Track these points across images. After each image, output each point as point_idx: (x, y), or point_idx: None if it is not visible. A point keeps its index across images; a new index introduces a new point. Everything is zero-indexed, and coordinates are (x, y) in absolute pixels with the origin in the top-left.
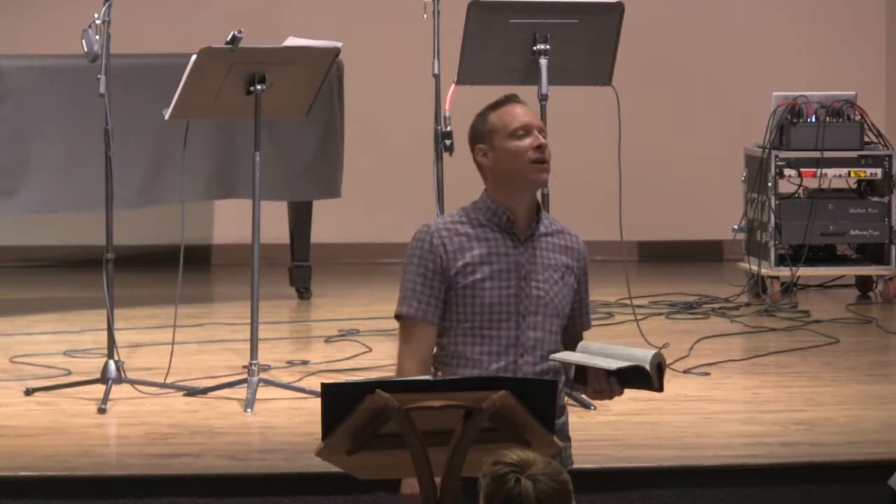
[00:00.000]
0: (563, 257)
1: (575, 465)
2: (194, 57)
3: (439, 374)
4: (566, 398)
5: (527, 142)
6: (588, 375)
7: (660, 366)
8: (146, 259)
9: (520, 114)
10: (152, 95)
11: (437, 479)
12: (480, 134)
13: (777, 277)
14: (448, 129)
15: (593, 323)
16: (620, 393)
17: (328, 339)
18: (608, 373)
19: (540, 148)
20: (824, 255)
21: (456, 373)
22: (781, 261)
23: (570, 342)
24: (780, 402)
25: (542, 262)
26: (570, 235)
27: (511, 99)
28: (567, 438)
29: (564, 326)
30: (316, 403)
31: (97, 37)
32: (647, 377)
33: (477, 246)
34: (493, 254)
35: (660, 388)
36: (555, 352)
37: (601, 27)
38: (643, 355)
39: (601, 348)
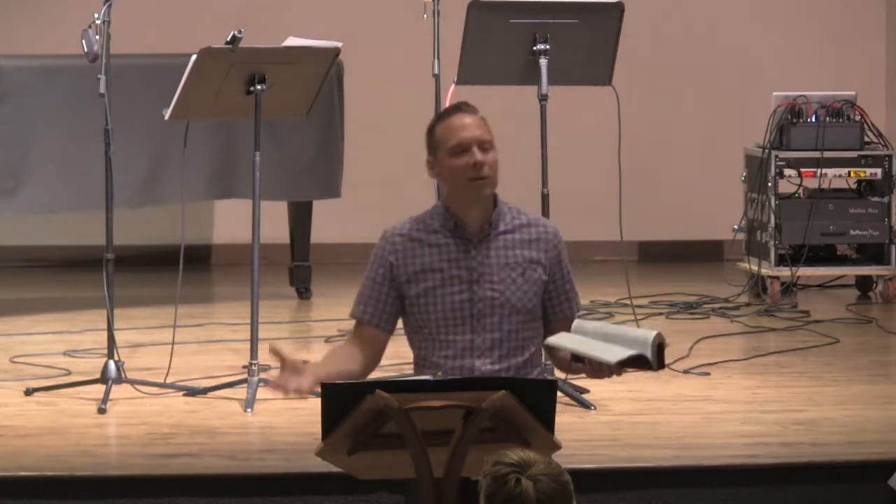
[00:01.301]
0: (527, 252)
1: (575, 465)
2: (194, 57)
3: (439, 373)
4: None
5: (463, 160)
6: (585, 357)
7: (660, 346)
8: (146, 259)
9: (458, 128)
10: (152, 95)
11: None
12: (429, 145)
13: (777, 277)
14: None
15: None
16: (620, 374)
17: (328, 339)
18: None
19: (476, 166)
20: (824, 255)
21: (421, 374)
22: (781, 261)
23: (557, 329)
24: (780, 402)
25: (497, 263)
26: (537, 227)
27: (457, 109)
28: None
29: (546, 317)
30: (316, 403)
31: (97, 37)
32: (647, 360)
33: (428, 253)
34: (444, 260)
35: (660, 368)
36: (518, 349)
37: (601, 27)
38: (643, 338)
39: (597, 328)
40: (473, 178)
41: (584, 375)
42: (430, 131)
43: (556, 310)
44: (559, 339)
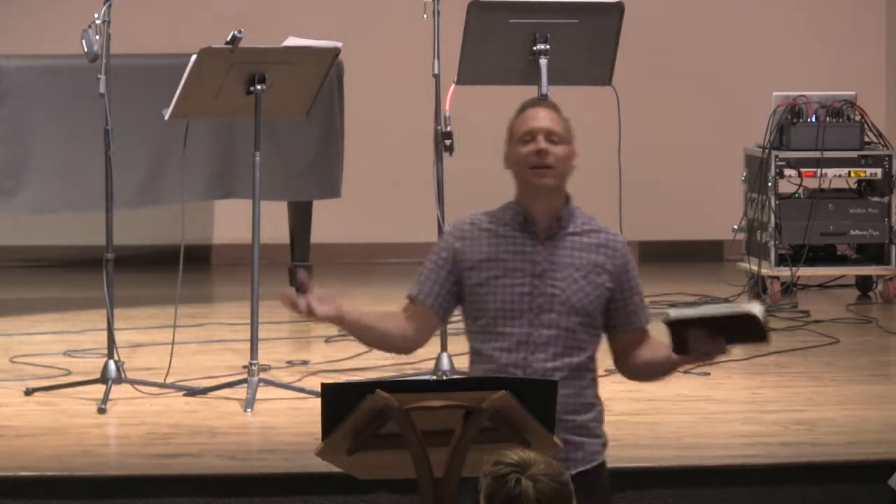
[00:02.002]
0: (592, 255)
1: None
2: (194, 57)
3: (441, 374)
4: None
5: (529, 147)
6: (689, 340)
7: (764, 315)
8: (146, 259)
9: (529, 118)
10: (152, 95)
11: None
12: (507, 139)
13: (777, 277)
14: (448, 129)
15: None
16: (724, 351)
17: (328, 339)
18: (719, 318)
19: (539, 153)
20: (824, 255)
21: (475, 370)
22: (781, 261)
23: (629, 342)
24: (780, 402)
25: (562, 261)
26: (606, 234)
27: (531, 103)
28: (595, 436)
29: (614, 328)
30: (316, 403)
31: (97, 37)
32: (752, 328)
33: (494, 243)
34: (510, 252)
35: (766, 339)
36: (574, 349)
37: (601, 27)
38: (748, 307)
39: (697, 310)
40: (535, 165)
41: (680, 370)
42: (509, 126)
43: (623, 320)
44: (677, 312)
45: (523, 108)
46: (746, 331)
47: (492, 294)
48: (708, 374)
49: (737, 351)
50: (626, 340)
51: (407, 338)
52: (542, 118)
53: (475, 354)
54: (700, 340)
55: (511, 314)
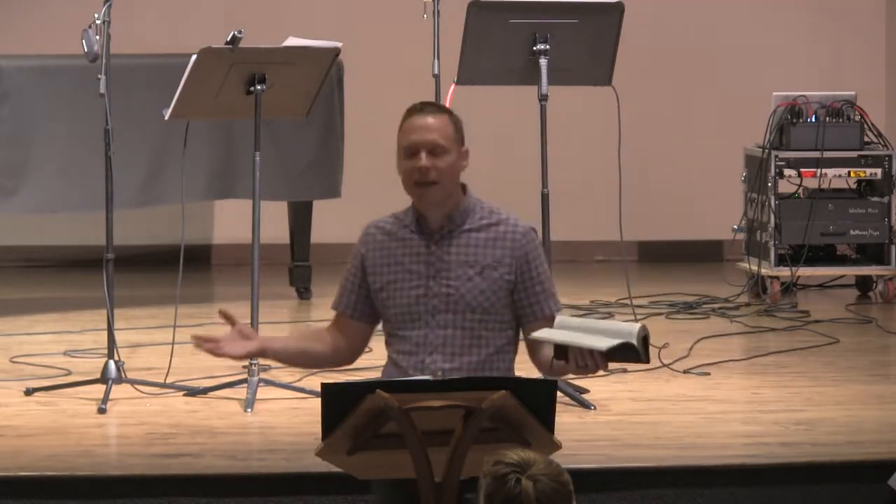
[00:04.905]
0: (490, 251)
1: (575, 465)
2: (194, 57)
3: (440, 374)
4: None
5: (411, 163)
6: (569, 352)
7: (645, 338)
8: (146, 259)
9: (412, 129)
10: (152, 95)
11: None
12: (397, 146)
13: (777, 277)
14: None
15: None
16: (605, 367)
17: None
18: (600, 352)
19: (420, 171)
20: (824, 255)
21: (385, 374)
22: (781, 261)
23: (536, 330)
24: (780, 402)
25: (455, 260)
26: (506, 226)
27: (414, 110)
28: None
29: (521, 318)
30: (316, 403)
31: (97, 37)
32: (634, 351)
33: (395, 247)
34: (406, 255)
35: (647, 360)
36: (471, 347)
37: (601, 27)
38: (628, 330)
39: (581, 323)
40: (418, 181)
41: (569, 375)
42: (398, 131)
43: (527, 310)
44: (545, 333)
45: (408, 115)
46: (626, 352)
47: (391, 298)
48: (708, 374)
49: (736, 352)
50: (530, 329)
51: (339, 350)
52: (423, 129)
53: (388, 359)
54: (580, 354)
55: (409, 317)
